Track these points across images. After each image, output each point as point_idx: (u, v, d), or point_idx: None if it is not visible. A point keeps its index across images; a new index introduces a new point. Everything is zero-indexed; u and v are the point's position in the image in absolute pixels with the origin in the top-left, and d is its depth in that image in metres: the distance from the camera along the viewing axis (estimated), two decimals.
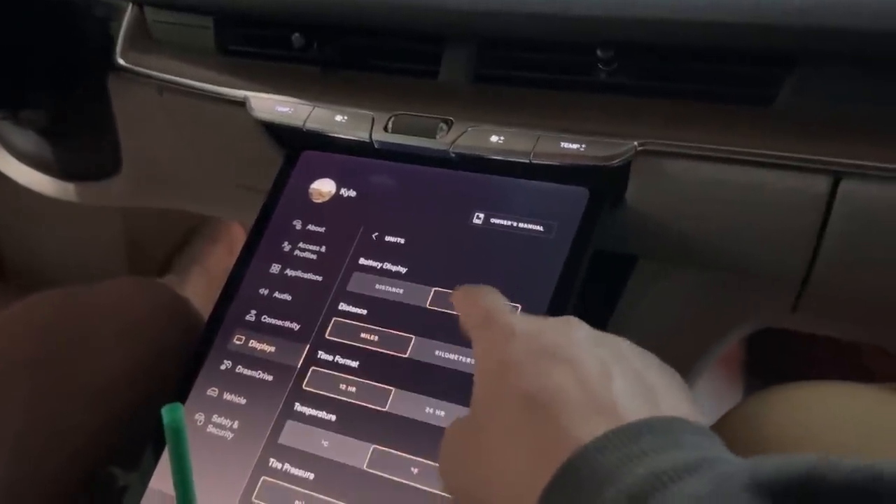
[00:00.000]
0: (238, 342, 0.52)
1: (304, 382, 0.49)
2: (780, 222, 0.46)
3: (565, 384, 0.29)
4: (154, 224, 1.10)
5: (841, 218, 0.44)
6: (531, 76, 0.51)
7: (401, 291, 0.50)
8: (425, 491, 0.43)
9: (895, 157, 0.42)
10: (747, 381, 0.97)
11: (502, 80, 0.52)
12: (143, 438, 0.50)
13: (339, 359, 0.49)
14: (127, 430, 0.55)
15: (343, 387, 0.48)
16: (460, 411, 0.44)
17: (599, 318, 0.54)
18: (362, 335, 0.49)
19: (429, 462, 0.44)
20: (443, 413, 0.45)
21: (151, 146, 0.68)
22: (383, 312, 0.49)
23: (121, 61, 0.63)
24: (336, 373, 0.48)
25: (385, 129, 0.53)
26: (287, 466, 0.46)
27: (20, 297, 0.58)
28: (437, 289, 0.49)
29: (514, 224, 0.50)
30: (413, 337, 0.48)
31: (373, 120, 0.53)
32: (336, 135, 0.54)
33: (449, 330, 0.47)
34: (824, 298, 0.51)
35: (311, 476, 0.46)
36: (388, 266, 0.51)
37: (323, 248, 0.53)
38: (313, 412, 0.48)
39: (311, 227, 0.54)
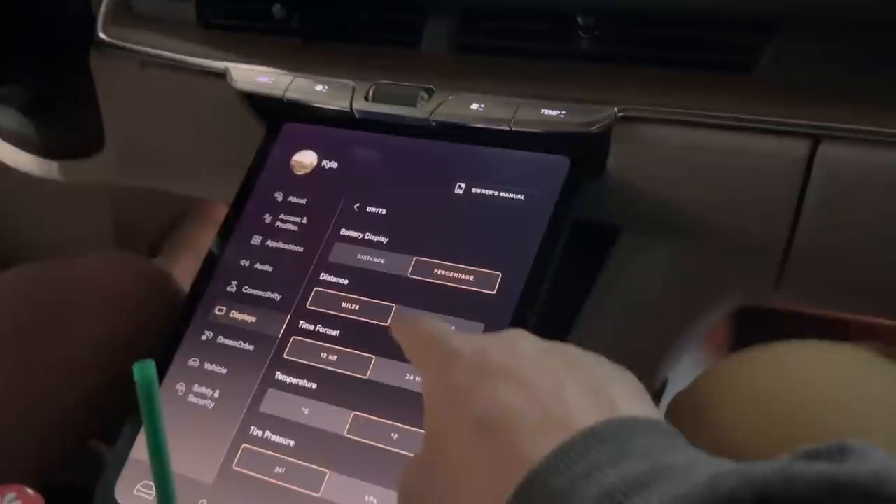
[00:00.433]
0: (219, 313, 0.52)
1: (285, 351, 0.49)
2: (761, 188, 0.46)
3: (516, 402, 0.27)
4: (142, 207, 1.09)
5: (820, 182, 0.44)
6: (512, 45, 0.51)
7: (382, 261, 0.50)
8: (405, 456, 0.43)
9: (873, 119, 0.42)
10: None
11: (483, 50, 0.52)
12: (123, 411, 0.50)
13: (320, 328, 0.49)
14: (108, 404, 0.55)
15: (324, 355, 0.48)
16: None
17: (581, 290, 0.54)
18: (343, 304, 0.49)
19: (409, 427, 0.44)
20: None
21: (134, 122, 0.68)
22: (364, 282, 0.49)
23: (102, 36, 0.63)
24: (317, 342, 0.48)
25: (366, 98, 0.52)
26: (268, 434, 0.46)
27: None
28: (418, 258, 0.49)
29: (496, 193, 0.50)
30: (394, 305, 0.48)
31: (353, 89, 0.53)
32: (317, 104, 0.54)
33: (430, 298, 0.47)
34: (806, 271, 0.51)
35: (292, 443, 0.46)
36: (369, 236, 0.51)
37: (304, 220, 0.53)
38: (294, 380, 0.48)
39: (292, 199, 0.54)
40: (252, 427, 0.47)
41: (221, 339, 0.50)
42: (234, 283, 0.52)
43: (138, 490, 0.47)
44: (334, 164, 0.54)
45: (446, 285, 0.48)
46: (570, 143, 0.49)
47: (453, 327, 0.38)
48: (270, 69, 0.56)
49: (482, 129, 0.50)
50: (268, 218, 0.54)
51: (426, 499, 0.30)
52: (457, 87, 0.51)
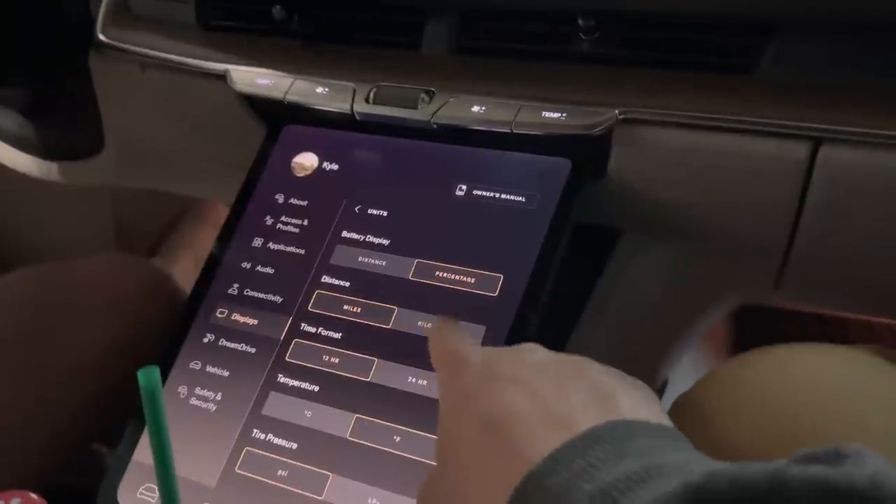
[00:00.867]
0: (221, 315, 0.52)
1: (287, 354, 0.49)
2: (762, 190, 0.46)
3: (519, 403, 0.28)
4: (142, 207, 1.09)
5: (821, 184, 0.44)
6: (513, 47, 0.51)
7: (383, 263, 0.50)
8: (408, 458, 0.43)
9: (874, 122, 0.42)
10: None
11: (484, 51, 0.52)
12: (125, 414, 0.50)
13: (322, 331, 0.49)
14: (109, 407, 0.55)
15: (326, 358, 0.48)
16: None
17: (582, 292, 0.54)
18: (345, 307, 0.49)
19: (411, 430, 0.44)
20: (425, 382, 0.45)
21: (134, 124, 0.68)
22: (366, 284, 0.49)
23: (102, 37, 0.63)
24: (319, 344, 0.48)
25: (366, 100, 0.52)
26: (270, 437, 0.46)
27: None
28: (419, 260, 0.49)
29: (497, 196, 0.50)
30: (395, 308, 0.48)
31: (354, 91, 0.53)
32: (317, 106, 0.54)
33: (431, 300, 0.47)
34: (806, 272, 0.51)
35: (295, 446, 0.46)
36: (370, 238, 0.51)
37: (305, 222, 0.53)
38: (296, 383, 0.48)
39: (293, 201, 0.54)
40: (254, 430, 0.47)
41: (223, 342, 0.50)
42: (236, 285, 0.52)
43: (141, 493, 0.47)
44: (335, 167, 0.54)
45: (448, 287, 0.48)
46: (571, 146, 0.49)
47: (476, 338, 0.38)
48: (270, 71, 0.56)
49: (483, 131, 0.50)
50: (269, 220, 0.54)
51: (439, 501, 0.31)
52: (458, 90, 0.51)
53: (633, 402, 0.28)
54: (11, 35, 0.64)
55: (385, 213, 0.51)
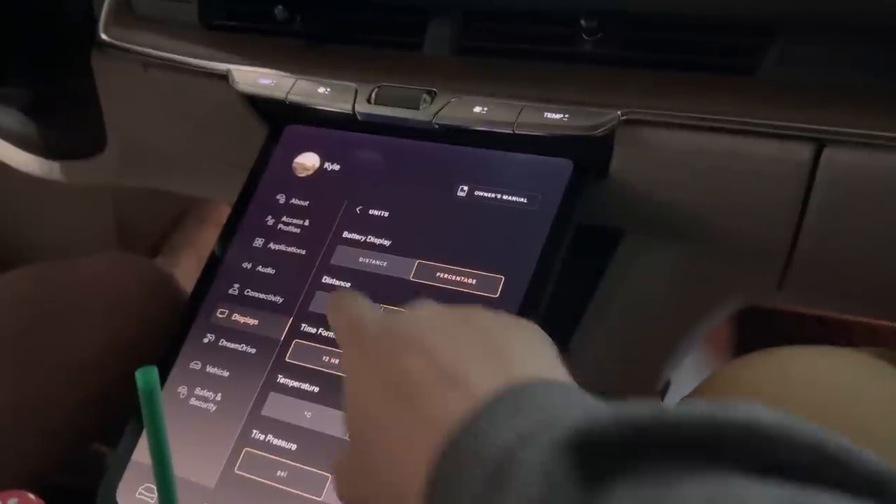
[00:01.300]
0: (221, 316, 0.51)
1: (287, 355, 0.49)
2: (765, 192, 0.46)
3: (415, 365, 0.28)
4: (144, 207, 1.09)
5: (824, 186, 0.44)
6: (515, 47, 0.51)
7: (384, 264, 0.50)
8: None
9: (878, 124, 0.42)
10: None
11: (486, 52, 0.52)
12: (125, 413, 0.50)
13: (322, 331, 0.49)
14: (109, 406, 0.54)
15: (326, 359, 0.48)
16: None
17: (584, 293, 0.54)
18: None
19: None
20: None
21: (136, 123, 0.68)
22: (367, 285, 0.49)
23: (104, 37, 0.63)
24: (319, 345, 0.48)
25: (368, 100, 0.52)
26: (270, 437, 0.46)
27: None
28: (420, 261, 0.49)
29: (498, 196, 0.50)
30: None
31: (356, 92, 0.53)
32: (319, 107, 0.54)
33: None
34: (809, 274, 0.51)
35: (294, 447, 0.46)
36: (371, 239, 0.51)
37: (307, 222, 0.53)
38: (296, 384, 0.47)
39: (294, 201, 0.54)
40: (254, 430, 0.47)
41: (223, 342, 0.50)
42: (237, 285, 0.52)
43: (140, 493, 0.47)
44: (336, 167, 0.54)
45: (449, 289, 0.47)
46: (573, 147, 0.48)
47: (381, 307, 0.37)
48: (272, 71, 0.56)
49: (485, 131, 0.50)
50: (270, 220, 0.54)
51: (357, 486, 0.31)
52: (459, 90, 0.51)
53: (528, 356, 0.29)
54: (14, 34, 0.64)
55: (386, 214, 0.51)
